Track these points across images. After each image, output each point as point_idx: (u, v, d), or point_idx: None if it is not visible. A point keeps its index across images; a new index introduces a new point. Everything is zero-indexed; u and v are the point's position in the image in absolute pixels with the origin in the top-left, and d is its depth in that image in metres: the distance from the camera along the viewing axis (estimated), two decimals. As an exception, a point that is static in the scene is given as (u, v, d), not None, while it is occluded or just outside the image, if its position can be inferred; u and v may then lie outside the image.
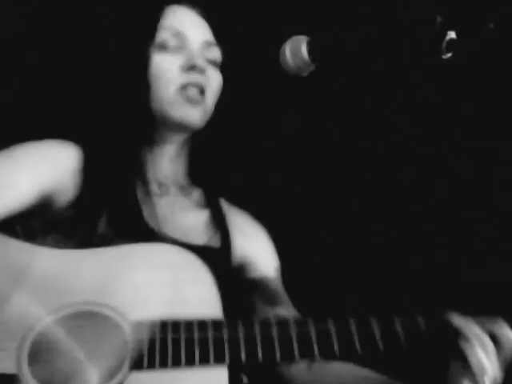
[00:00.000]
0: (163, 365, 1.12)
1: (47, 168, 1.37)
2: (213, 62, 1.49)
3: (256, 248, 1.55)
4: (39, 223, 1.35)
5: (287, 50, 1.32)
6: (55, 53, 1.91)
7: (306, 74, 1.34)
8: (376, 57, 1.24)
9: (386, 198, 1.94)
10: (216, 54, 1.51)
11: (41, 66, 1.90)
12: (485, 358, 1.09)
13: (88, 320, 1.14)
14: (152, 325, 1.14)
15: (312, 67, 1.33)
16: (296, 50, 1.31)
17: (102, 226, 1.32)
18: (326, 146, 2.02)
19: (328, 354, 1.14)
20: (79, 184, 1.38)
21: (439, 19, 1.15)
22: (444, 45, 1.14)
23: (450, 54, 1.16)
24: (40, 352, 1.11)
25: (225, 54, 1.54)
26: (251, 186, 1.80)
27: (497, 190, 1.80)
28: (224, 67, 1.53)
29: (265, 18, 1.92)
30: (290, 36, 1.33)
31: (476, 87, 1.79)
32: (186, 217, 1.49)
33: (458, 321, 1.13)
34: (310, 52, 1.30)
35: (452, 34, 1.14)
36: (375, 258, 1.93)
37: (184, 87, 1.42)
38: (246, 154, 1.82)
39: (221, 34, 1.54)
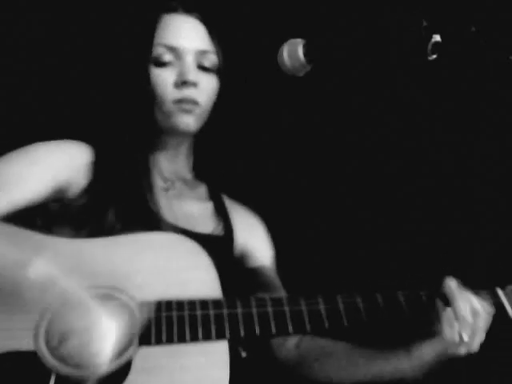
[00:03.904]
0: (169, 340, 1.19)
1: (61, 162, 1.44)
2: (208, 69, 1.52)
3: (255, 239, 1.63)
4: (55, 216, 1.42)
5: (285, 52, 1.37)
6: (72, 62, 1.97)
7: (301, 74, 1.39)
8: (366, 59, 1.28)
9: (374, 188, 2.01)
10: (211, 60, 1.53)
11: (58, 76, 1.96)
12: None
13: (100, 301, 1.20)
14: (158, 304, 1.22)
15: (307, 68, 1.37)
16: (293, 52, 1.36)
17: (110, 217, 1.39)
18: (319, 141, 2.06)
19: (318, 328, 1.24)
20: (89, 178, 1.45)
21: (425, 23, 1.20)
22: (429, 47, 1.20)
23: (435, 56, 1.21)
24: (56, 328, 1.18)
25: (223, 56, 1.55)
26: (250, 180, 1.85)
27: (476, 180, 1.89)
28: (224, 69, 1.55)
29: (264, 22, 1.95)
30: (287, 39, 1.38)
31: (460, 86, 1.85)
32: (192, 208, 1.56)
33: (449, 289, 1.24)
34: (305, 54, 1.35)
35: (437, 37, 1.20)
36: (366, 245, 2.00)
37: (178, 101, 1.48)
38: (245, 149, 1.87)
39: (219, 38, 1.55)
